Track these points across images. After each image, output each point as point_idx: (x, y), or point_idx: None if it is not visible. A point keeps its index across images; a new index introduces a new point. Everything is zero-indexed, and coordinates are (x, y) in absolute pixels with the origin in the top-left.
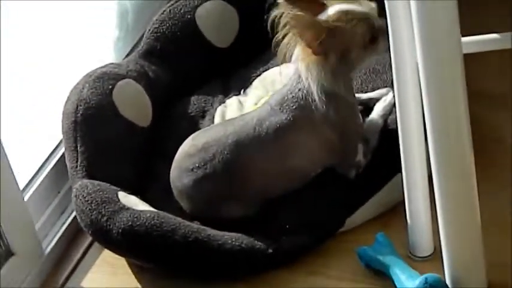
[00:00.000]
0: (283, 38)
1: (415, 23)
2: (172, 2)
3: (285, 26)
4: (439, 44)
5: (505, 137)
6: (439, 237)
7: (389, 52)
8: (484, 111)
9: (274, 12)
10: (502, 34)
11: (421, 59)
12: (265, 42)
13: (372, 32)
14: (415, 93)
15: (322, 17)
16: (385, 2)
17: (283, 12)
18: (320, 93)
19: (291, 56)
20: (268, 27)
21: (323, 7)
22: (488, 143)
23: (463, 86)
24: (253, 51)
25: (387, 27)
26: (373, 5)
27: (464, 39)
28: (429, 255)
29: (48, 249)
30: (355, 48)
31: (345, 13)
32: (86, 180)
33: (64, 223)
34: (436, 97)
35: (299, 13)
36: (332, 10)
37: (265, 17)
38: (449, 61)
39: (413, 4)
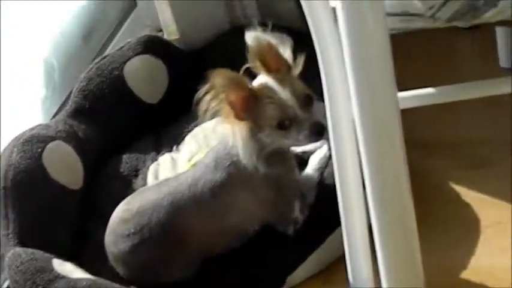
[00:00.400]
0: (205, 94)
1: (350, 79)
2: (99, 59)
3: (210, 86)
4: (375, 100)
5: (444, 186)
6: None
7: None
8: (423, 159)
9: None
10: (437, 88)
11: (356, 114)
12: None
13: (282, 119)
14: (351, 147)
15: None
16: (319, 58)
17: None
18: (247, 154)
19: (212, 114)
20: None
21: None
22: (428, 191)
23: (401, 140)
24: (183, 106)
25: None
26: (303, 91)
27: (401, 94)
28: None
29: None
30: (264, 126)
31: (267, 88)
32: (18, 249)
33: None
34: (373, 152)
35: (228, 74)
36: (260, 79)
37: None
38: (386, 116)
39: (347, 61)
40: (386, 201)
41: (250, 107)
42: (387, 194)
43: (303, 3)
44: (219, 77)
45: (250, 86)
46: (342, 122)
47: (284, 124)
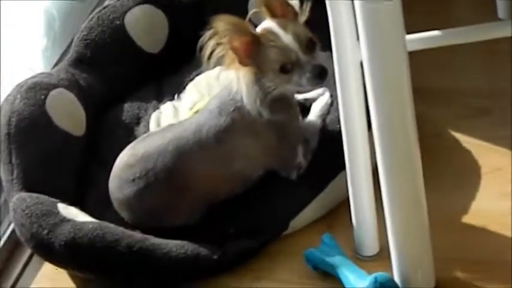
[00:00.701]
0: (208, 40)
1: (360, 22)
2: (100, 8)
3: (213, 32)
4: (384, 42)
5: (445, 133)
6: (385, 236)
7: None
8: (424, 107)
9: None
10: (444, 31)
11: (365, 57)
12: (196, 46)
13: (284, 63)
14: (357, 90)
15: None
16: (327, 2)
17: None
18: (251, 99)
19: (216, 61)
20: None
21: (256, 40)
22: (429, 139)
23: (408, 83)
24: (184, 55)
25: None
26: (306, 35)
27: (409, 36)
28: (375, 255)
29: None
30: (267, 71)
31: (270, 32)
32: (23, 193)
33: (0, 238)
34: (382, 95)
35: (231, 19)
36: (264, 24)
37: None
38: (394, 59)
39: (357, 4)
40: (393, 142)
41: (254, 52)
42: (395, 134)
43: None
44: (221, 22)
45: (253, 31)
46: (348, 66)
47: (286, 68)
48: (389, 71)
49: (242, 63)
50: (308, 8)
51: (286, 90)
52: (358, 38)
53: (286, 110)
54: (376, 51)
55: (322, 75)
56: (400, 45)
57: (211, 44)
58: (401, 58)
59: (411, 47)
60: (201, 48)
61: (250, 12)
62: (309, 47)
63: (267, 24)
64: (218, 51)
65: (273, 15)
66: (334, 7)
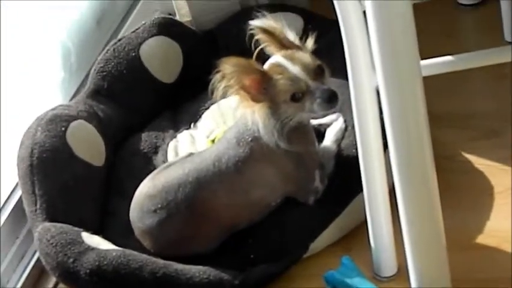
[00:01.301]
0: (218, 83)
1: (375, 49)
2: (115, 41)
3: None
4: (399, 68)
5: (457, 155)
6: (403, 256)
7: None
8: (435, 130)
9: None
10: (457, 56)
11: (382, 83)
12: (210, 75)
13: (294, 92)
14: (373, 115)
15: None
16: (342, 28)
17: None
18: (266, 135)
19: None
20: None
21: (265, 76)
22: (442, 160)
23: (424, 106)
24: (198, 84)
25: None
26: (314, 63)
27: (423, 62)
28: (394, 275)
29: None
30: (280, 102)
31: (277, 66)
32: (47, 223)
33: (25, 268)
34: (398, 118)
35: (237, 61)
36: (271, 60)
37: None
38: (410, 84)
39: (372, 30)
40: (410, 164)
41: (265, 87)
42: (412, 157)
43: None
44: (228, 65)
45: (260, 68)
46: (364, 92)
47: (297, 97)
48: (406, 96)
49: (255, 100)
50: (313, 39)
51: (301, 118)
52: (372, 65)
53: (303, 139)
54: (392, 77)
55: (332, 99)
56: (416, 70)
57: (221, 86)
58: (417, 83)
59: (425, 73)
60: (213, 91)
61: (257, 50)
62: (317, 73)
63: (274, 58)
64: (230, 92)
65: (279, 48)
66: (349, 35)
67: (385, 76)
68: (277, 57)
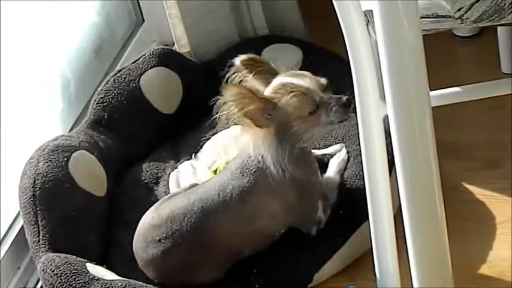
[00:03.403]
0: (221, 111)
1: (386, 78)
2: (115, 72)
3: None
4: (409, 99)
5: (459, 185)
6: (410, 284)
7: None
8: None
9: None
10: (464, 87)
11: (391, 113)
12: (211, 106)
13: (311, 105)
14: (380, 145)
15: (265, 90)
16: (351, 60)
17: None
18: (272, 162)
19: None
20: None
21: (267, 102)
22: (445, 191)
23: (433, 135)
24: (199, 115)
25: (333, 98)
26: (319, 79)
27: (432, 93)
28: None
29: None
30: (294, 120)
31: (284, 86)
32: (50, 254)
33: None
34: (408, 148)
35: (237, 89)
36: (273, 83)
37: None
38: (419, 114)
39: (383, 60)
40: (418, 193)
41: (270, 114)
42: (420, 186)
43: (335, 4)
44: (229, 94)
45: (261, 96)
46: (371, 120)
47: (312, 109)
48: (415, 126)
49: (259, 125)
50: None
51: (314, 133)
52: (380, 95)
53: (307, 166)
54: (401, 106)
55: (347, 105)
56: (425, 101)
57: (224, 115)
58: (425, 113)
59: (435, 103)
60: (216, 122)
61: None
62: (325, 87)
63: (278, 80)
64: (233, 120)
65: (271, 75)
66: (358, 66)
67: (395, 106)
68: (280, 79)
